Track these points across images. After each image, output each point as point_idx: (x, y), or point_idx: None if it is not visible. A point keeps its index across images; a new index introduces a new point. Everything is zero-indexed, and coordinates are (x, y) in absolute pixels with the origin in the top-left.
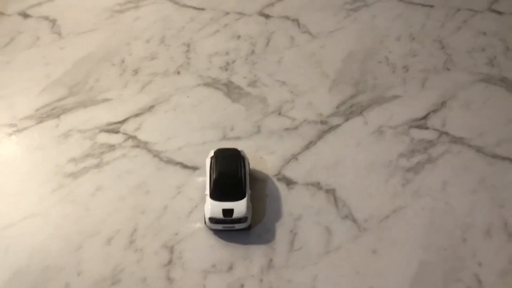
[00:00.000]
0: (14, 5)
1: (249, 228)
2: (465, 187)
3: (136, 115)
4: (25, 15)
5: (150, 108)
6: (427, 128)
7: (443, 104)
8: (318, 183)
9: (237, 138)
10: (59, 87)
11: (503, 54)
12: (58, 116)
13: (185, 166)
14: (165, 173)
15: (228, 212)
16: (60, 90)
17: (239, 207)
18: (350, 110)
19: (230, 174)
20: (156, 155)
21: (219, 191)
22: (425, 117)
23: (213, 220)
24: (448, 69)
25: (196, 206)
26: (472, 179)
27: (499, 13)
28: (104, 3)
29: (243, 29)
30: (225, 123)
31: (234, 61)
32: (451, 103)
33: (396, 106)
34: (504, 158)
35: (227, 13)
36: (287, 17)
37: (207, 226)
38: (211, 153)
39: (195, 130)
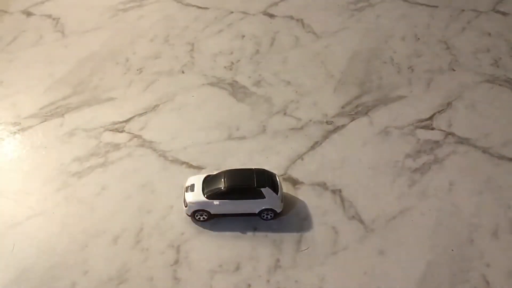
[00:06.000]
0: (17, 3)
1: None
2: (471, 188)
3: (141, 114)
4: (28, 13)
5: (155, 107)
6: (433, 128)
7: (448, 104)
8: (325, 184)
9: (243, 138)
10: (63, 85)
11: (508, 55)
12: (62, 115)
13: (190, 166)
14: (171, 173)
15: None
16: (64, 88)
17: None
18: (355, 110)
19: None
20: (162, 154)
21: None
22: (431, 118)
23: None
24: (453, 70)
25: None
26: (478, 180)
27: (503, 14)
28: (107, 2)
29: (248, 29)
30: (230, 123)
31: (238, 61)
32: (456, 103)
33: (401, 107)
34: (511, 159)
35: (231, 12)
36: (291, 17)
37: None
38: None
39: (200, 129)
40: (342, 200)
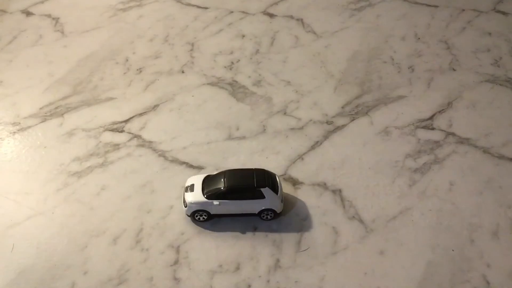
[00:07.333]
0: (17, 3)
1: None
2: (472, 188)
3: (141, 114)
4: (27, 13)
5: (155, 107)
6: (433, 128)
7: (449, 104)
8: (325, 184)
9: (242, 137)
10: (63, 85)
11: (508, 54)
12: (62, 114)
13: (190, 166)
14: (171, 173)
15: None
16: (64, 88)
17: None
18: (355, 110)
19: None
20: (161, 154)
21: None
22: (431, 118)
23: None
24: (454, 70)
25: None
26: (479, 180)
27: (504, 13)
28: (107, 2)
29: (248, 28)
30: (230, 123)
31: (238, 61)
32: (457, 103)
33: (402, 107)
34: (511, 159)
35: (231, 12)
36: (291, 17)
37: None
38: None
39: (200, 129)
40: (342, 200)
